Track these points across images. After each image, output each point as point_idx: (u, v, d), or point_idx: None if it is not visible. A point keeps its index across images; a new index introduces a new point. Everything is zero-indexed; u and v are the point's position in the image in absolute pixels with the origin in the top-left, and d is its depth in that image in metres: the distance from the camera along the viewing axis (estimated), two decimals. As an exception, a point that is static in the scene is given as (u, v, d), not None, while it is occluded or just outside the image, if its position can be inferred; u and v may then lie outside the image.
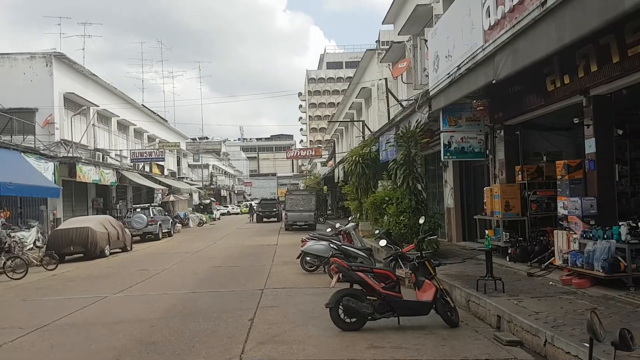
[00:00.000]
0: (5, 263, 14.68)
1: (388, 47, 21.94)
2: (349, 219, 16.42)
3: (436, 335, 6.72)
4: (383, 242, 8.50)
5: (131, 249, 22.00)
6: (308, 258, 12.90)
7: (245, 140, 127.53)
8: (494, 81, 9.07)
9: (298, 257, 13.13)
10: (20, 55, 27.29)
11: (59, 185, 22.97)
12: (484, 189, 12.43)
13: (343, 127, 43.58)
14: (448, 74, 11.10)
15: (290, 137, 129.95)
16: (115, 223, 21.13)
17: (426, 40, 14.35)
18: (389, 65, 22.66)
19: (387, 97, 19.92)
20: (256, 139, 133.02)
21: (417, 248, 7.35)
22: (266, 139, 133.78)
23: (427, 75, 15.21)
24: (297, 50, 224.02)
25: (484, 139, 12.67)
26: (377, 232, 11.92)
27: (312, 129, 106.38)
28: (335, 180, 37.09)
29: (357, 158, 20.03)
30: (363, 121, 27.09)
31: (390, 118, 19.02)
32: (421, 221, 8.10)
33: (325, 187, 46.58)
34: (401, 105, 18.63)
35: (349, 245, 11.89)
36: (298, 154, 52.06)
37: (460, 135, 12.54)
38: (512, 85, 10.91)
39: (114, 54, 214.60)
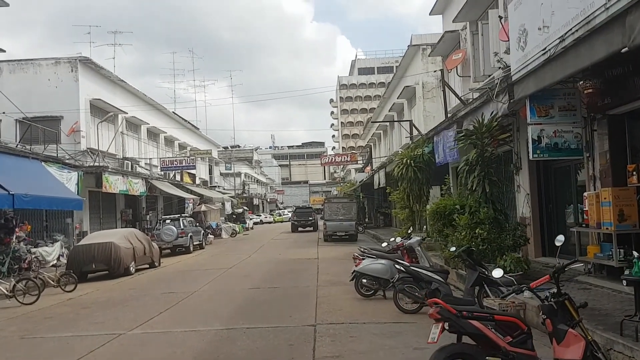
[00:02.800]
0: (15, 286, 12.87)
1: (439, 38, 19.63)
2: (409, 230, 14.10)
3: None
4: (498, 272, 6.10)
5: (159, 264, 20.15)
6: (364, 280, 10.70)
7: (276, 148, 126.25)
8: (624, 49, 6.73)
9: (352, 280, 10.92)
10: (44, 60, 26.03)
11: (82, 197, 21.33)
12: (585, 194, 9.97)
13: (381, 131, 41.26)
14: (543, 49, 8.74)
15: (321, 144, 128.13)
16: (142, 237, 19.29)
17: (500, 18, 12.04)
18: (441, 57, 20.30)
19: (444, 90, 17.59)
20: (287, 146, 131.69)
21: (554, 280, 5.04)
22: (297, 146, 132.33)
23: (498, 60, 12.89)
24: (326, 59, 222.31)
25: (581, 133, 10.23)
26: (453, 249, 9.60)
27: (345, 135, 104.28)
28: (375, 187, 34.81)
29: (408, 161, 17.70)
30: (411, 121, 24.74)
31: (448, 114, 16.69)
32: (558, 243, 5.71)
33: (361, 194, 44.23)
34: (460, 99, 16.27)
35: (420, 267, 9.59)
36: (333, 160, 49.95)
37: (552, 128, 10.12)
38: (620, 63, 8.55)
39: (146, 68, 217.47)
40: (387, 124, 37.09)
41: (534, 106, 10.12)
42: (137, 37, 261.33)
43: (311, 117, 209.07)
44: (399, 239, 11.91)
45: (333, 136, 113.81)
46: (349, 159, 48.30)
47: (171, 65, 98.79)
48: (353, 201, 30.19)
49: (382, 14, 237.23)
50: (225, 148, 69.65)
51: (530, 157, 10.15)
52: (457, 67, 18.52)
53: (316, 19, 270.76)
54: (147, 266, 19.57)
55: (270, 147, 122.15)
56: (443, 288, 8.95)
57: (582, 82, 8.67)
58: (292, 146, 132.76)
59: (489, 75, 15.32)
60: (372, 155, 47.92)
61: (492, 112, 11.36)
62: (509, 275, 9.67)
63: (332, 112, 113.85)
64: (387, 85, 41.58)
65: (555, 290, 5.02)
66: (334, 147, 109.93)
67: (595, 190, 10.16)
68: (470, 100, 15.09)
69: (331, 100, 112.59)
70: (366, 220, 43.22)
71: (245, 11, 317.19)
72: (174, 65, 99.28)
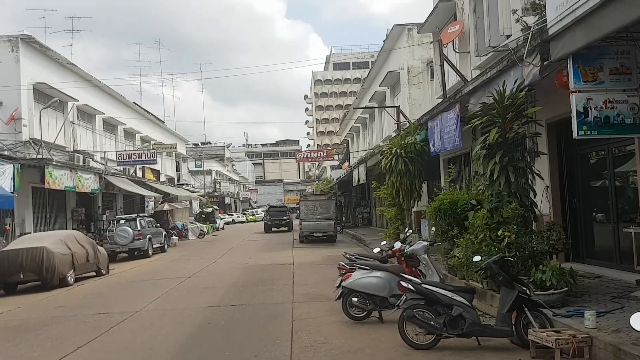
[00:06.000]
0: None
1: (433, 7, 17.13)
2: (407, 231, 11.50)
3: None
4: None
5: (107, 272, 17.18)
6: (355, 299, 8.12)
7: (249, 146, 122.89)
8: None
9: (338, 298, 8.35)
10: (-20, 39, 22.77)
11: (18, 193, 18.30)
12: (646, 184, 7.58)
13: (359, 125, 38.81)
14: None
15: (296, 142, 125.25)
16: (84, 240, 16.29)
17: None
18: (436, 29, 17.77)
19: (442, 66, 15.14)
20: (261, 144, 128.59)
21: None
22: (271, 144, 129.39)
23: (517, 20, 10.45)
24: (298, 58, 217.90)
25: (638, 104, 7.83)
26: (478, 259, 7.10)
27: (320, 133, 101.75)
28: (355, 183, 32.39)
29: (397, 150, 15.21)
30: (398, 106, 22.26)
31: (446, 94, 14.24)
32: None
33: (338, 192, 41.73)
34: (461, 76, 13.85)
35: (435, 284, 7.00)
36: (308, 155, 47.36)
37: (601, 97, 7.66)
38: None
39: (114, 65, 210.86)
40: (367, 116, 34.65)
41: (578, 68, 7.66)
42: (105, 34, 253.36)
43: (285, 116, 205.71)
44: (397, 244, 9.32)
45: (308, 133, 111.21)
46: (325, 155, 45.71)
47: (138, 62, 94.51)
48: (332, 198, 27.57)
49: (354, 16, 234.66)
50: (196, 145, 66.39)
51: (575, 135, 7.66)
52: (453, 41, 16.10)
53: (288, 16, 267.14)
54: (94, 274, 16.67)
55: (243, 145, 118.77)
56: (468, 314, 6.42)
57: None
58: (266, 144, 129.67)
59: (494, 47, 12.95)
60: (349, 151, 45.51)
61: (515, 80, 8.88)
62: (553, 292, 7.25)
63: (306, 109, 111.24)
64: (365, 77, 39.17)
65: None
66: (308, 145, 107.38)
67: (653, 179, 7.83)
68: (472, 79, 12.68)
69: (306, 97, 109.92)
70: (344, 219, 40.78)
71: (215, 9, 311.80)
72: (140, 56, 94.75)
